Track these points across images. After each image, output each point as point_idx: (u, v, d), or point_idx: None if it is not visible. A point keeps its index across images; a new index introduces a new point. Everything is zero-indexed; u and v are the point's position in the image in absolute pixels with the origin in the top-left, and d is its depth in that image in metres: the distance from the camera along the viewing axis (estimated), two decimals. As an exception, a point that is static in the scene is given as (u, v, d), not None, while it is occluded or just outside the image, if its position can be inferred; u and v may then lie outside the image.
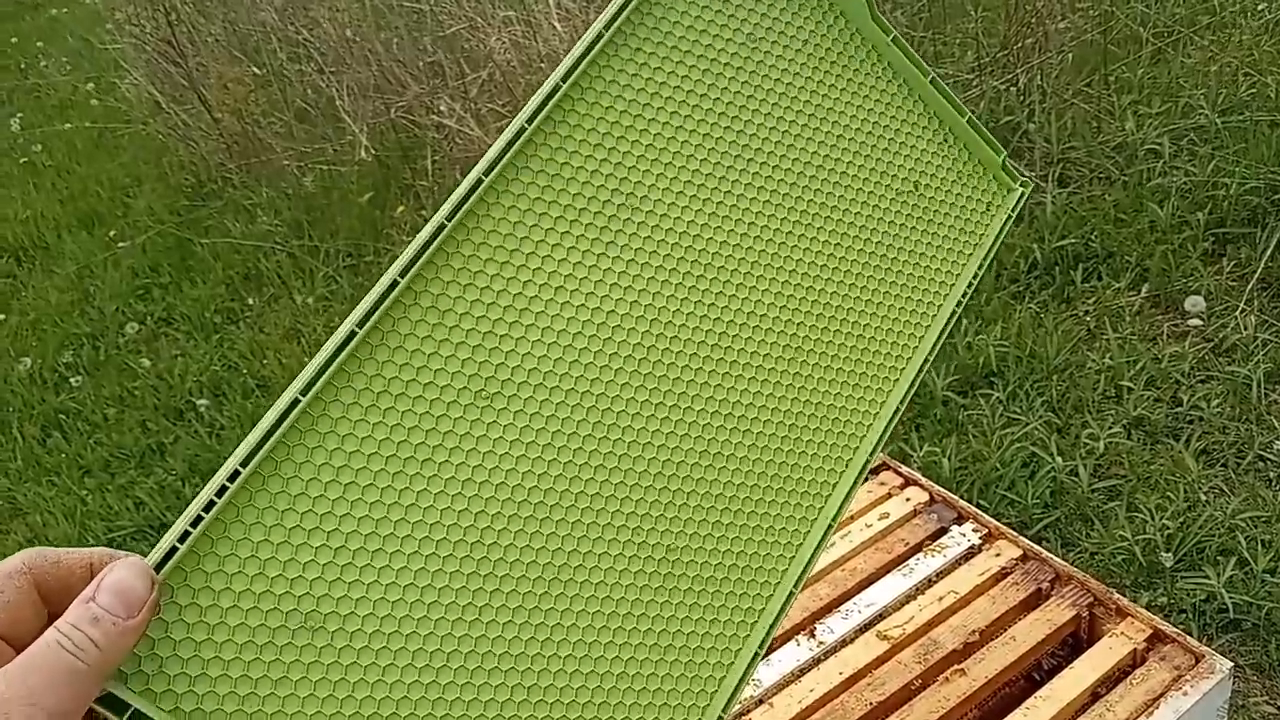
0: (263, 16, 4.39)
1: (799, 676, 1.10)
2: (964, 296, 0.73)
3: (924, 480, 1.34)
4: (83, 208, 4.61)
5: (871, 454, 0.68)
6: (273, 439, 0.50)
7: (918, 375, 0.70)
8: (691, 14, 0.62)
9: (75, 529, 2.80)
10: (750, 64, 0.64)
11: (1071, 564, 1.19)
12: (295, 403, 0.50)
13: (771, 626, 0.64)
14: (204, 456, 2.91)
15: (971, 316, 2.53)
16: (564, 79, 0.58)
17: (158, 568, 0.47)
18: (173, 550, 0.47)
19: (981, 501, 2.10)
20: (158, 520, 2.76)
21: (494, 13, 3.47)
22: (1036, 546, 1.21)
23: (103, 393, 3.34)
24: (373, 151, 3.78)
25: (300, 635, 0.50)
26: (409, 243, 0.54)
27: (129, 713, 0.46)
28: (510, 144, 0.56)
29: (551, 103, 0.58)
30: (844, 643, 1.13)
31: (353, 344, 0.52)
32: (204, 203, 4.24)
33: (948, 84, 0.90)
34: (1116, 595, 1.13)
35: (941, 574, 1.21)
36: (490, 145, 0.57)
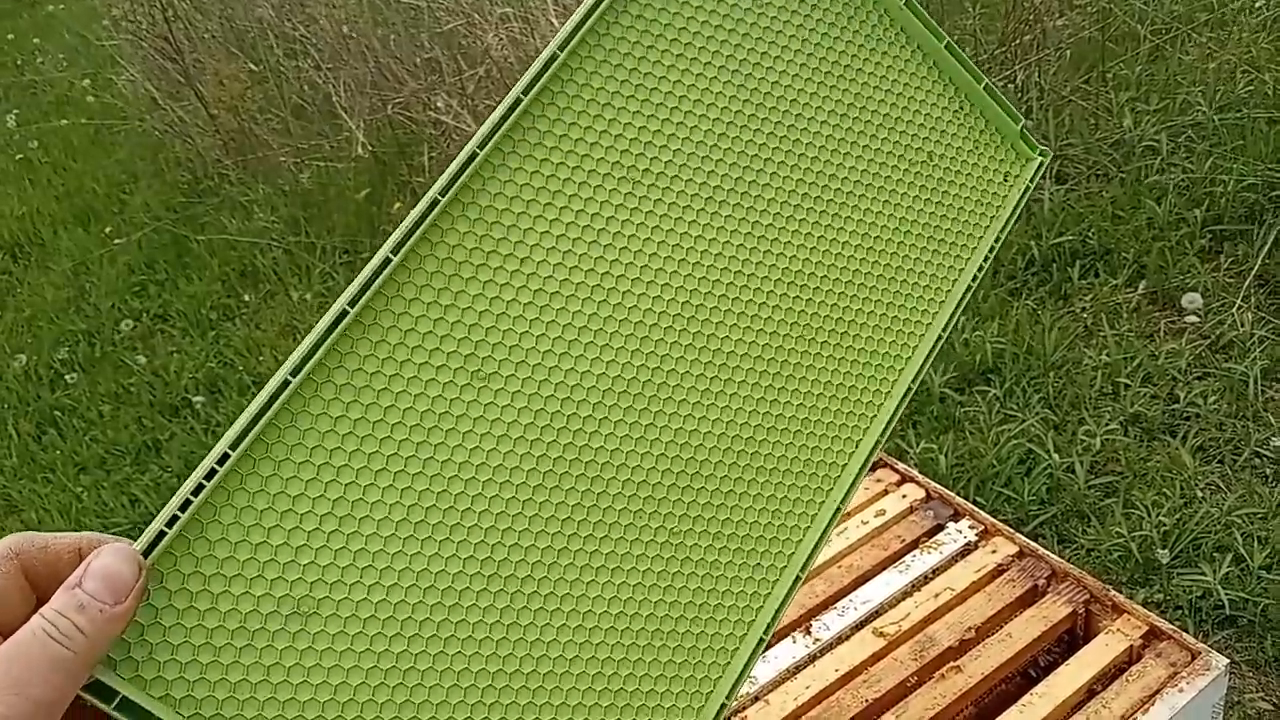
0: (259, 12, 4.38)
1: (795, 673, 1.09)
2: (979, 270, 0.70)
3: (920, 477, 1.33)
4: (79, 204, 4.59)
5: (884, 433, 0.66)
6: (262, 421, 0.48)
7: (930, 354, 0.68)
8: None
9: (70, 526, 2.79)
10: (757, 29, 0.62)
11: (1068, 561, 1.19)
12: (285, 384, 0.49)
13: (775, 614, 0.62)
14: (200, 453, 2.89)
15: (969, 313, 2.52)
16: (561, 47, 0.55)
17: (146, 553, 0.46)
18: (161, 535, 0.47)
19: (978, 498, 2.10)
20: (153, 517, 2.74)
21: (491, 9, 3.46)
22: (1033, 543, 1.21)
23: (98, 389, 3.33)
24: (369, 148, 3.77)
25: (292, 621, 0.49)
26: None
27: (117, 700, 0.45)
28: (505, 116, 0.54)
29: (549, 72, 0.55)
30: (840, 639, 1.13)
31: (344, 323, 0.50)
32: (200, 199, 4.23)
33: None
34: (1113, 592, 1.13)
35: (938, 571, 1.20)
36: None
